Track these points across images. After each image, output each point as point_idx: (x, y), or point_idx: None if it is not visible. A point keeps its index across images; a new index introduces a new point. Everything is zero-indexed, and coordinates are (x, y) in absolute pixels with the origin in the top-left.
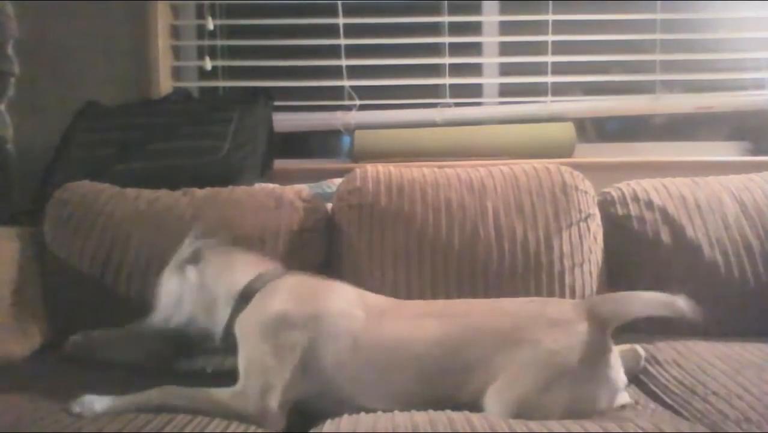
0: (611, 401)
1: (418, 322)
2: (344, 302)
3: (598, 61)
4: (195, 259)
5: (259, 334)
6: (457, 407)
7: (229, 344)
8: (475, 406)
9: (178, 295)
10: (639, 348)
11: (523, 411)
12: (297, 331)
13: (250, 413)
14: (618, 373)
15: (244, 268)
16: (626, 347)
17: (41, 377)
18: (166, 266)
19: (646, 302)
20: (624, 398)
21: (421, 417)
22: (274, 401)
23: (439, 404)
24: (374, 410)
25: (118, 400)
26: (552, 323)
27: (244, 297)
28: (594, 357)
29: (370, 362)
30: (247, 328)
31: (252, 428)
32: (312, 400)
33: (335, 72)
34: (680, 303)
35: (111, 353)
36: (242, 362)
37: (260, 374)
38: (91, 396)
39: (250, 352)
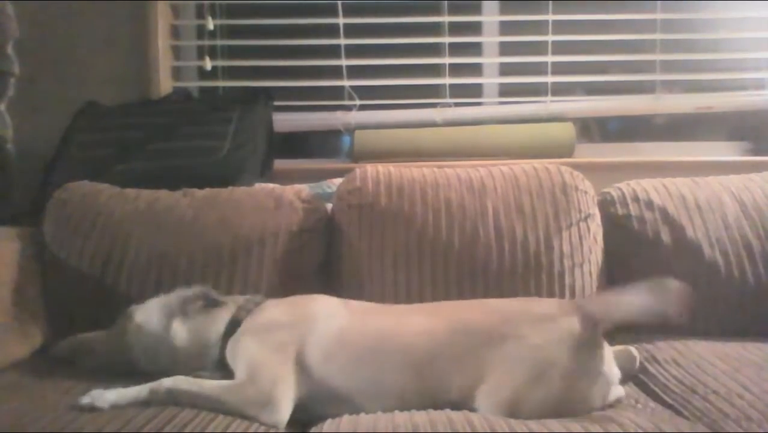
0: (605, 394)
1: (404, 316)
2: (327, 305)
3: (598, 61)
4: (184, 311)
5: (255, 339)
6: (448, 403)
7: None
8: (466, 405)
9: (157, 337)
10: (633, 349)
11: (516, 409)
12: (286, 331)
13: (261, 399)
14: (610, 367)
15: (226, 306)
16: (620, 348)
17: (41, 377)
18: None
19: (637, 309)
20: (618, 391)
21: (421, 417)
22: (282, 391)
23: (431, 399)
24: (369, 408)
25: (126, 391)
26: (537, 319)
27: (232, 326)
28: (583, 351)
29: (357, 353)
30: (241, 343)
31: (254, 427)
32: (310, 403)
33: (335, 72)
34: (669, 311)
35: (95, 358)
36: (244, 364)
37: (265, 367)
38: (99, 390)
39: (250, 353)
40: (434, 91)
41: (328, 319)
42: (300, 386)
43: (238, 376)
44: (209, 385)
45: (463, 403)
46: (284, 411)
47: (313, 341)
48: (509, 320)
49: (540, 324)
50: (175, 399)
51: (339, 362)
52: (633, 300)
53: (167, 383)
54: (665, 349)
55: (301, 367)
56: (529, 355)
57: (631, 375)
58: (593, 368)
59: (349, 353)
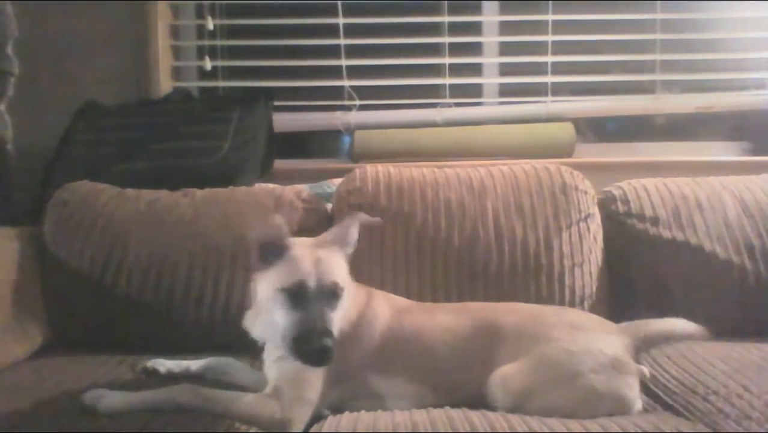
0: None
1: (433, 315)
2: (375, 305)
3: (598, 61)
4: None
5: None
6: (468, 396)
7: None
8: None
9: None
10: (645, 369)
11: (524, 403)
12: None
13: (277, 420)
14: (635, 396)
15: None
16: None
17: (41, 377)
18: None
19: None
20: None
21: (420, 416)
22: (300, 413)
23: (452, 393)
24: (395, 404)
25: (132, 395)
26: (573, 327)
27: None
28: (614, 374)
29: (393, 355)
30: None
31: (254, 428)
32: (341, 402)
33: (335, 72)
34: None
35: None
36: (275, 376)
37: (292, 383)
38: (104, 390)
39: (282, 367)
40: (434, 91)
41: (373, 322)
42: (334, 393)
43: (268, 386)
44: (225, 395)
45: (479, 394)
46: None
47: (356, 348)
48: (543, 322)
49: (576, 332)
50: (186, 407)
51: (378, 365)
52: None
53: (175, 397)
54: (665, 350)
55: (339, 374)
56: (558, 357)
57: None
58: (619, 393)
59: (388, 356)
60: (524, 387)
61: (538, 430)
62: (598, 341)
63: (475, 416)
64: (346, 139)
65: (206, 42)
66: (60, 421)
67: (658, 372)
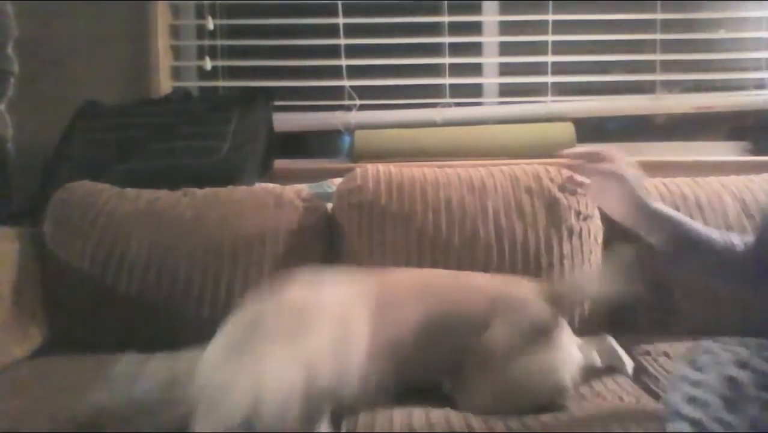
0: (570, 374)
1: (398, 310)
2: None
3: (598, 61)
4: None
5: None
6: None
7: None
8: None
9: None
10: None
11: (496, 408)
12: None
13: None
14: (571, 350)
15: None
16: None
17: (41, 377)
18: None
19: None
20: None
21: (418, 417)
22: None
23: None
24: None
25: None
26: (512, 308)
27: None
28: (547, 334)
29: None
30: None
31: None
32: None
33: (335, 72)
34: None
35: None
36: None
37: None
38: None
39: None
40: (434, 91)
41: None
42: None
43: None
44: None
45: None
46: None
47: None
48: (493, 307)
49: (514, 313)
50: None
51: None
52: (593, 281)
53: None
54: (665, 349)
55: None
56: (497, 346)
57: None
58: (556, 352)
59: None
60: (489, 393)
61: (537, 430)
62: (533, 311)
63: (475, 420)
64: (346, 138)
65: (206, 42)
66: (59, 421)
67: (658, 372)
